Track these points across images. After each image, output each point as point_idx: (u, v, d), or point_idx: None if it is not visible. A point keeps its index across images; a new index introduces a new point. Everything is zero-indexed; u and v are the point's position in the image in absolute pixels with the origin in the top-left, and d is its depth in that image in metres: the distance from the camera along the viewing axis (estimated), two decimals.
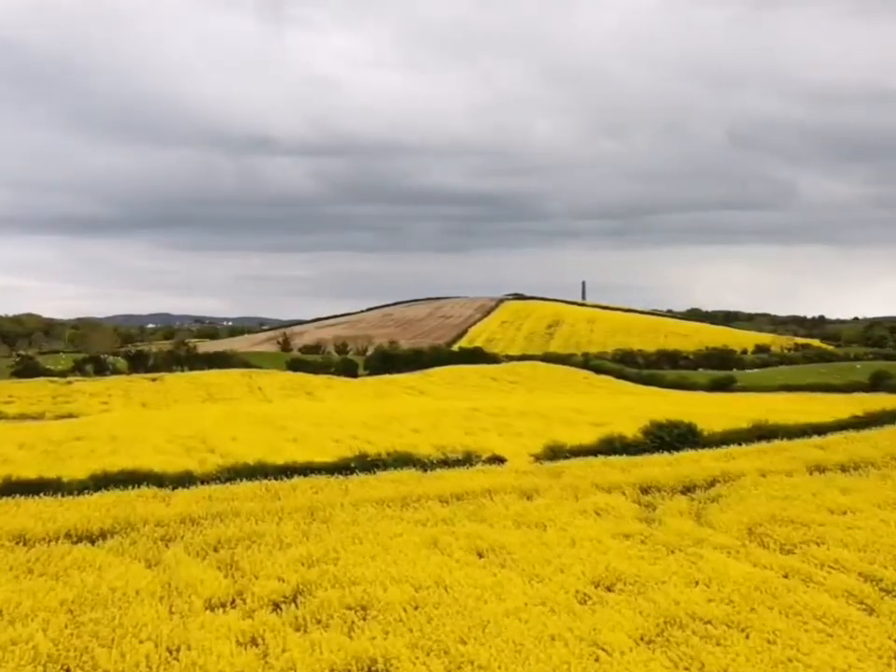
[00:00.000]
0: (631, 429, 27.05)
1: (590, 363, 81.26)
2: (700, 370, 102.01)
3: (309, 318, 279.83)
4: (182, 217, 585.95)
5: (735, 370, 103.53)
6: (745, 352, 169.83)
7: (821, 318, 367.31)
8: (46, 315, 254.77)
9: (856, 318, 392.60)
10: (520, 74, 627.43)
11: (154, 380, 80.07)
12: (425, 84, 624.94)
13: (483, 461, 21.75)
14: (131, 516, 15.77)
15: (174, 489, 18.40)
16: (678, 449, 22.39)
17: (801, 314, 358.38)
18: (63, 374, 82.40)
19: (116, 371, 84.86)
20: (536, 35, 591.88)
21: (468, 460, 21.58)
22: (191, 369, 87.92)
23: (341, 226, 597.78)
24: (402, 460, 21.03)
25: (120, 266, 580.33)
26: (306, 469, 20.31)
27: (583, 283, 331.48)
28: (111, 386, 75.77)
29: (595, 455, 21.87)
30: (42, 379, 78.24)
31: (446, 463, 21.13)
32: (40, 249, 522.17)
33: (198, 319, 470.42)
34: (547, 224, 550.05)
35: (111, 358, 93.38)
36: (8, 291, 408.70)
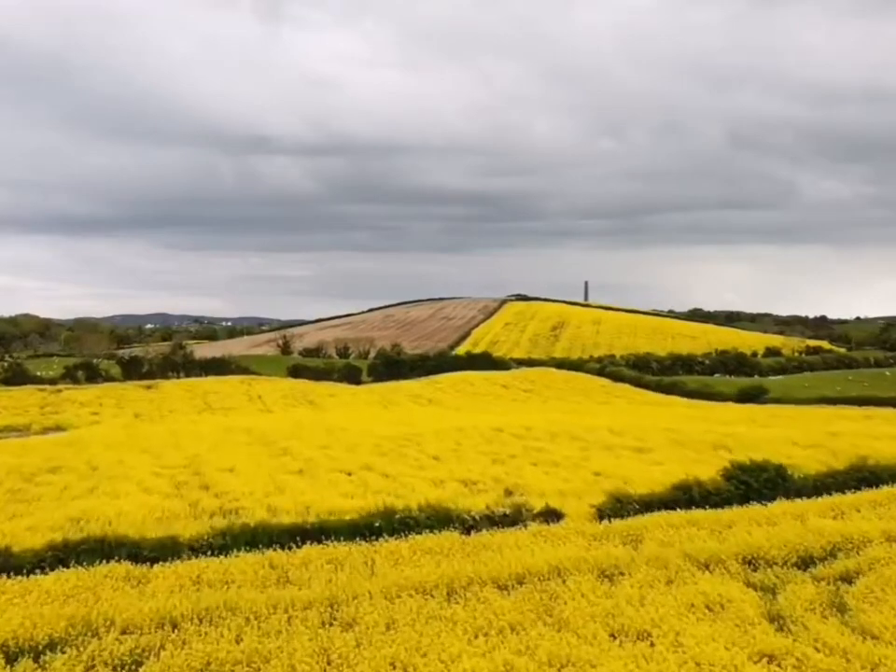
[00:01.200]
0: (707, 472, 23.17)
1: (606, 370, 77.37)
2: (717, 375, 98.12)
3: (309, 318, 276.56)
4: (181, 217, 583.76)
5: (755, 376, 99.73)
6: (755, 355, 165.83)
7: (823, 318, 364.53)
8: (44, 315, 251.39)
9: (858, 318, 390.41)
10: (519, 73, 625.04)
11: (149, 387, 76.13)
12: (424, 84, 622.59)
13: (535, 514, 17.82)
14: (91, 614, 11.87)
15: (153, 564, 14.50)
16: (767, 497, 18.51)
17: (801, 313, 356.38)
18: (53, 381, 78.53)
19: (109, 378, 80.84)
20: (535, 35, 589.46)
21: (515, 516, 17.64)
22: (188, 375, 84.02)
23: (340, 226, 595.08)
24: (436, 516, 17.08)
25: (119, 266, 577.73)
26: (320, 532, 16.35)
27: (586, 283, 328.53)
28: (103, 395, 71.78)
29: (672, 508, 17.92)
30: (30, 387, 74.23)
31: (491, 520, 17.17)
32: (39, 249, 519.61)
33: (197, 319, 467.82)
34: (546, 224, 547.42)
35: (104, 363, 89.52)
36: (7, 291, 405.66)
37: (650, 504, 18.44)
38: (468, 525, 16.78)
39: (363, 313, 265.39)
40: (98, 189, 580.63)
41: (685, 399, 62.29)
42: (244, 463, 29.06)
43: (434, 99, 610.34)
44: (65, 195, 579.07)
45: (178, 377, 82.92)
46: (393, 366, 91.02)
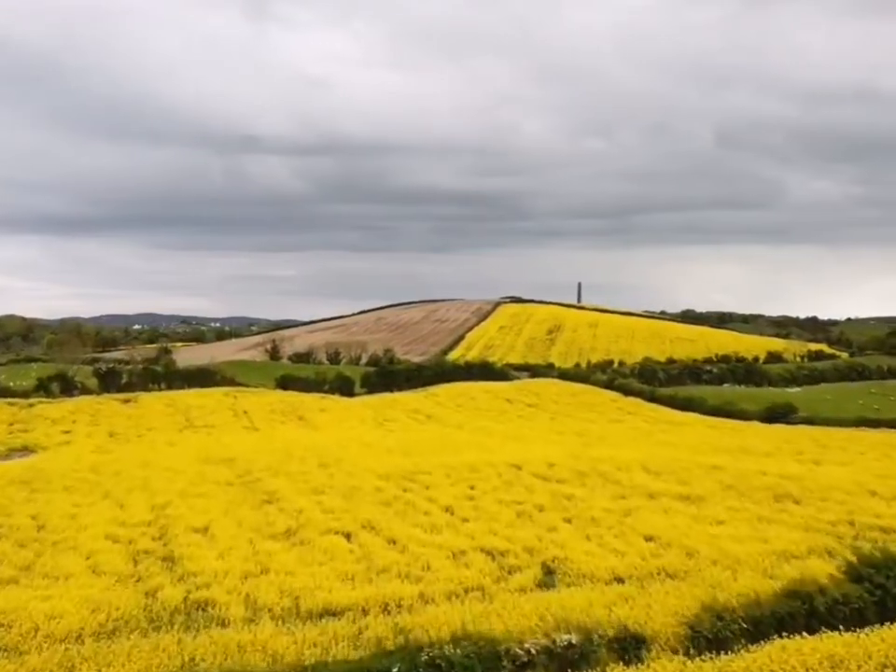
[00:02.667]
0: (784, 535, 18.67)
1: (615, 382, 72.69)
2: (726, 385, 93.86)
3: (299, 318, 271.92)
4: (170, 217, 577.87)
5: (767, 386, 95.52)
6: (756, 359, 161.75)
7: (814, 319, 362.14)
8: (32, 315, 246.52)
9: (849, 319, 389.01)
10: (509, 73, 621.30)
11: (127, 401, 71.13)
12: (414, 83, 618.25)
13: (609, 640, 13.11)
14: None
15: None
16: None
17: (792, 314, 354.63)
18: (26, 394, 73.42)
19: (85, 391, 75.77)
20: (525, 35, 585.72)
21: (583, 647, 12.89)
22: (170, 386, 79.05)
23: (330, 225, 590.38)
24: (478, 652, 12.33)
25: (108, 266, 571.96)
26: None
27: (579, 284, 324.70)
28: (77, 410, 66.79)
29: (790, 634, 13.21)
30: (0, 402, 69.29)
31: (551, 652, 12.46)
32: (26, 249, 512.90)
33: (185, 320, 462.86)
34: (538, 224, 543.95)
35: (82, 371, 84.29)
36: None
37: (757, 620, 13.78)
38: (519, 663, 12.13)
39: (354, 315, 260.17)
40: (86, 188, 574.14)
41: (706, 418, 57.53)
42: (220, 519, 24.30)
43: (425, 99, 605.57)
44: (53, 194, 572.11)
45: (160, 389, 77.94)
46: (388, 376, 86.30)
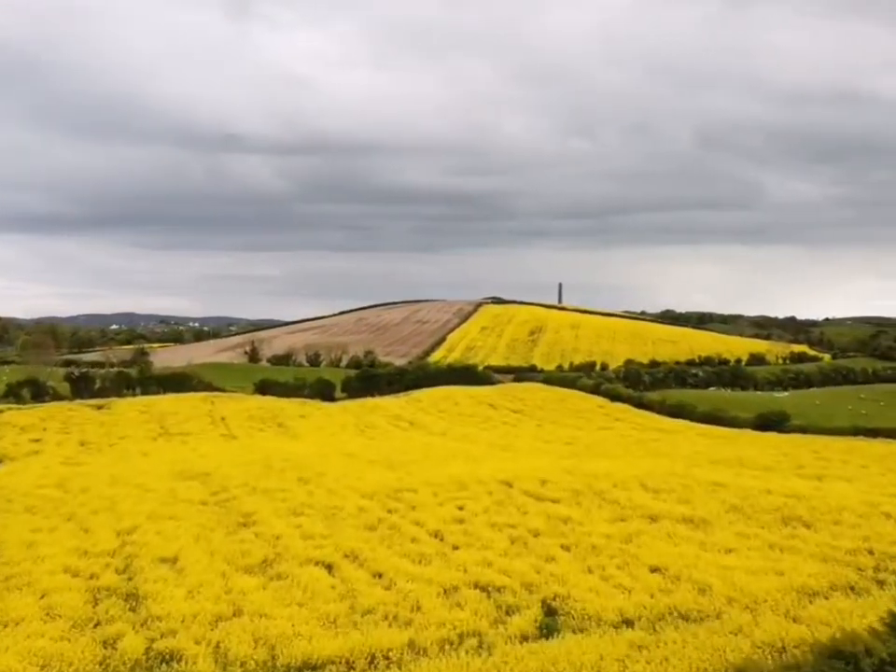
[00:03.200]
0: (802, 567, 17.24)
1: (601, 388, 71.10)
2: (711, 388, 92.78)
3: (279, 318, 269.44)
4: (149, 216, 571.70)
5: (753, 389, 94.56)
6: (739, 361, 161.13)
7: (792, 319, 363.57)
8: (9, 315, 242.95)
9: (827, 319, 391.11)
10: (490, 73, 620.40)
11: (100, 408, 68.96)
12: (395, 83, 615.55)
13: None
14: None
15: None
16: None
17: (770, 314, 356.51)
18: None
19: (57, 397, 73.50)
20: (506, 35, 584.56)
21: None
22: (145, 392, 76.87)
23: (311, 225, 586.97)
24: None
25: (86, 265, 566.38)
26: None
27: (560, 285, 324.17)
28: (48, 417, 64.51)
29: None
30: None
31: None
32: (4, 248, 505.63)
33: (163, 320, 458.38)
34: (519, 224, 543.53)
35: (56, 375, 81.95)
36: None
37: None
38: None
39: (335, 315, 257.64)
40: (64, 186, 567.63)
41: (697, 425, 56.05)
42: (191, 547, 22.46)
43: (406, 98, 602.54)
44: (31, 193, 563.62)
45: (134, 394, 75.72)
46: (369, 380, 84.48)
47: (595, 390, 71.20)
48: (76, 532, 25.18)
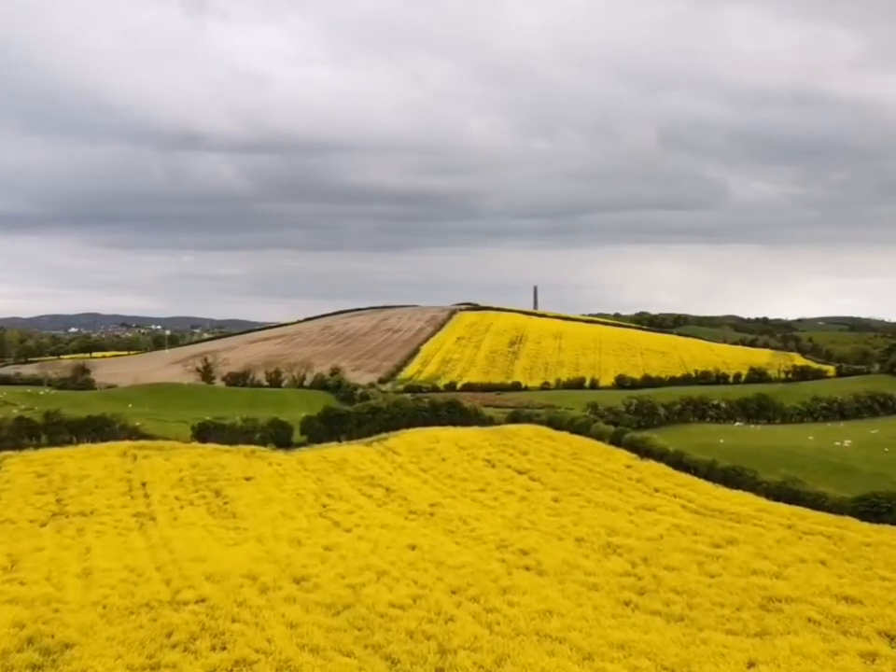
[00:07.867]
0: None
1: (624, 437, 56.59)
2: (738, 423, 79.18)
3: (243, 318, 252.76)
4: (110, 215, 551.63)
5: (780, 421, 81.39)
6: (739, 376, 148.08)
7: (765, 320, 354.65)
8: None
9: (800, 319, 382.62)
10: (451, 72, 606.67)
11: None
12: (355, 80, 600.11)
13: None
14: None
15: None
16: None
17: (740, 314, 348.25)
18: None
19: None
20: (465, 33, 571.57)
21: None
22: (52, 442, 61.43)
23: (274, 224, 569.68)
24: None
25: (47, 264, 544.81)
26: None
27: (535, 288, 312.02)
28: None
29: None
30: None
31: None
32: None
33: (125, 321, 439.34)
34: (485, 223, 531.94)
35: None
36: None
37: None
38: None
39: (299, 322, 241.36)
40: (22, 185, 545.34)
41: (773, 505, 40.68)
42: None
43: (366, 96, 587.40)
44: None
45: (38, 445, 60.24)
46: (334, 421, 69.62)
47: (615, 441, 56.77)
48: None
